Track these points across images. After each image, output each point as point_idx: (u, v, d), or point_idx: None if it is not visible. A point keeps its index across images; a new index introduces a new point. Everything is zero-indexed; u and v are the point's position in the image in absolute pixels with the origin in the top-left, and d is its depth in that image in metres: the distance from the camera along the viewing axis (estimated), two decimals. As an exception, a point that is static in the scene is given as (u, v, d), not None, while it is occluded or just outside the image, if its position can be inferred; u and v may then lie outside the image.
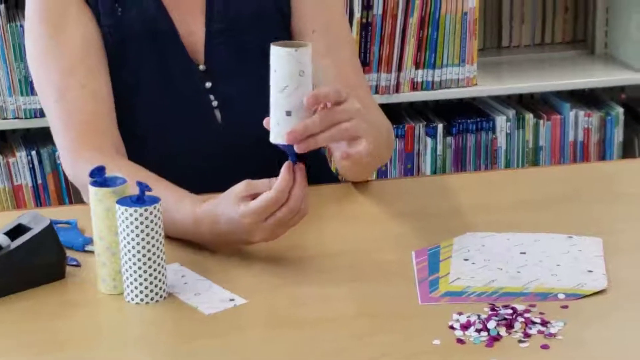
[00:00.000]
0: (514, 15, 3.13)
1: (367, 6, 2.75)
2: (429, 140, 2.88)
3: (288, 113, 1.42)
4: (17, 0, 2.84)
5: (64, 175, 2.73)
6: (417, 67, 2.81)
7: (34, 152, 2.76)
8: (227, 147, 1.59)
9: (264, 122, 1.44)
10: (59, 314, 1.40)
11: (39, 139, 2.81)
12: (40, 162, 2.76)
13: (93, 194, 1.42)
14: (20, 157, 2.75)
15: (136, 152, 1.77)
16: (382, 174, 2.80)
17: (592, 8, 3.12)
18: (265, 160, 1.52)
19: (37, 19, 1.76)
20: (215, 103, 1.79)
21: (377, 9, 2.76)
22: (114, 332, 1.39)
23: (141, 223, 1.38)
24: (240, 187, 1.44)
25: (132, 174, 1.53)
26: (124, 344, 1.36)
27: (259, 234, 1.45)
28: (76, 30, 1.74)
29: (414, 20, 2.78)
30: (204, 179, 1.68)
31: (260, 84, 1.54)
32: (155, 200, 1.39)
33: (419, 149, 2.89)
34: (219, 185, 1.52)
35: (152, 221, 1.39)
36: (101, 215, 1.42)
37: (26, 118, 2.72)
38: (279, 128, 1.42)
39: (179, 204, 1.53)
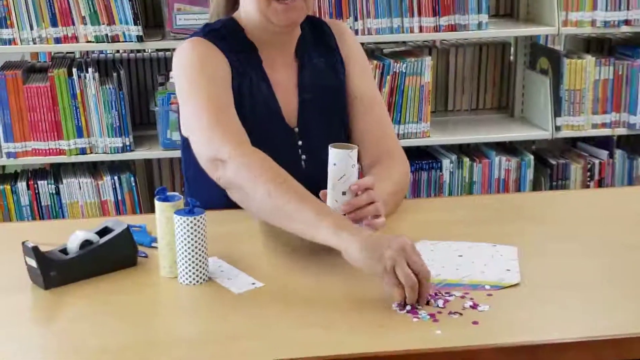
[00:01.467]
0: (457, 87, 3.13)
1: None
2: (409, 172, 2.87)
3: (344, 193, 1.48)
4: (107, 69, 2.84)
5: (137, 193, 2.74)
6: (388, 123, 2.81)
7: (116, 177, 2.75)
8: (308, 184, 1.51)
9: (320, 194, 1.52)
10: (131, 291, 1.41)
11: (120, 168, 2.81)
12: (120, 184, 2.75)
13: (158, 207, 1.43)
14: (106, 180, 2.74)
15: (220, 190, 1.70)
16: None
17: (513, 84, 3.12)
18: None
19: (196, 75, 1.70)
20: (304, 157, 1.77)
21: (361, 81, 2.75)
22: (170, 304, 1.41)
23: (191, 228, 1.39)
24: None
25: (272, 189, 1.49)
26: (177, 313, 1.39)
27: (399, 256, 1.29)
28: (224, 88, 1.70)
29: (386, 89, 2.78)
30: None
31: (333, 138, 1.61)
32: (201, 212, 1.39)
33: (388, 181, 2.88)
34: None
35: (198, 227, 1.40)
36: (164, 222, 1.44)
37: (111, 153, 2.70)
38: (337, 204, 1.48)
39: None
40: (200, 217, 1.38)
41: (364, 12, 2.72)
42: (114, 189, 2.75)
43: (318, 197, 1.51)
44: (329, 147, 1.48)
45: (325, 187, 1.51)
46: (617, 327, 1.25)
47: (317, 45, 1.83)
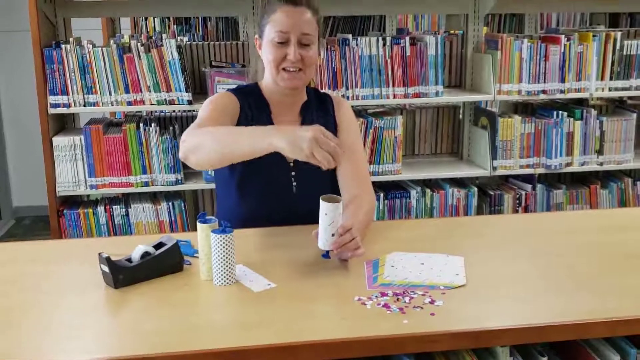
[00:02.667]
0: (421, 137, 3.11)
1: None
2: (375, 202, 2.86)
3: (332, 235, 1.44)
4: (165, 124, 2.84)
5: (186, 215, 2.72)
6: (370, 164, 2.79)
7: (170, 203, 2.73)
8: (296, 203, 1.56)
9: (313, 234, 1.48)
10: (178, 290, 1.40)
11: (174, 196, 2.79)
12: (173, 209, 2.73)
13: (199, 227, 1.42)
14: (163, 206, 2.73)
15: (236, 204, 1.73)
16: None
17: (462, 135, 3.11)
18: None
19: (210, 105, 1.72)
20: (295, 183, 1.74)
21: (350, 133, 2.75)
22: (207, 299, 1.38)
23: (223, 243, 1.38)
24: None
25: (215, 129, 1.53)
26: (211, 306, 1.36)
27: (313, 144, 1.33)
28: (226, 118, 1.70)
29: (369, 139, 2.77)
30: (279, 225, 1.68)
31: (320, 174, 1.57)
32: (230, 231, 1.38)
33: (370, 206, 2.86)
34: None
35: (229, 242, 1.39)
36: (203, 238, 1.42)
37: (167, 185, 2.68)
38: (327, 242, 1.44)
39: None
40: (230, 235, 1.36)
41: (354, 83, 2.72)
42: (169, 212, 2.73)
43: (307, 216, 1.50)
44: (320, 200, 1.44)
45: (310, 206, 1.49)
46: (541, 316, 1.24)
47: (318, 109, 1.83)
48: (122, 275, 1.37)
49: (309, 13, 1.68)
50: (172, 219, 2.74)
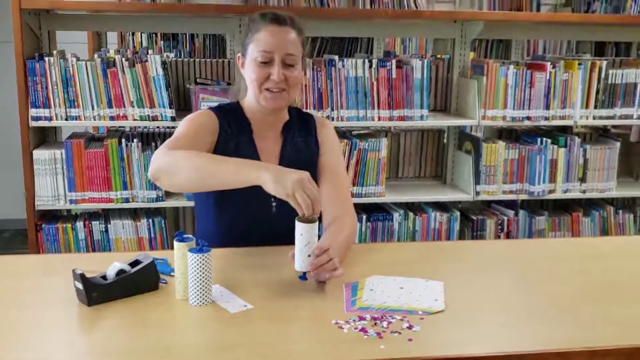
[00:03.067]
0: (405, 160, 3.12)
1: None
2: (357, 223, 2.84)
3: (309, 255, 1.43)
4: (148, 140, 2.82)
5: (166, 232, 2.70)
6: (353, 185, 2.79)
7: (150, 220, 2.71)
8: (275, 224, 1.55)
9: (290, 255, 1.46)
10: (153, 309, 1.38)
11: (154, 213, 2.77)
12: (153, 225, 2.71)
13: (176, 246, 1.40)
14: (143, 222, 2.70)
15: (214, 223, 1.72)
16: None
17: (445, 159, 3.12)
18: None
19: (187, 122, 1.72)
20: (274, 203, 1.70)
21: (334, 154, 2.75)
22: (182, 319, 1.37)
23: (200, 262, 1.36)
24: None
25: (196, 154, 1.52)
26: (186, 327, 1.34)
27: (298, 184, 1.37)
28: (202, 136, 1.69)
29: (353, 161, 2.77)
30: (259, 244, 1.67)
31: None
32: (207, 250, 1.37)
33: (353, 228, 2.86)
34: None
35: (205, 262, 1.37)
36: (180, 257, 1.41)
37: (148, 202, 2.66)
38: (304, 264, 1.43)
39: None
40: (207, 254, 1.35)
41: (339, 105, 2.73)
42: (149, 228, 2.70)
43: (285, 236, 1.48)
44: (296, 221, 1.43)
45: (290, 225, 1.46)
46: (521, 344, 1.23)
47: (300, 129, 1.82)
48: (95, 292, 1.35)
49: (293, 33, 1.68)
50: (152, 235, 2.71)
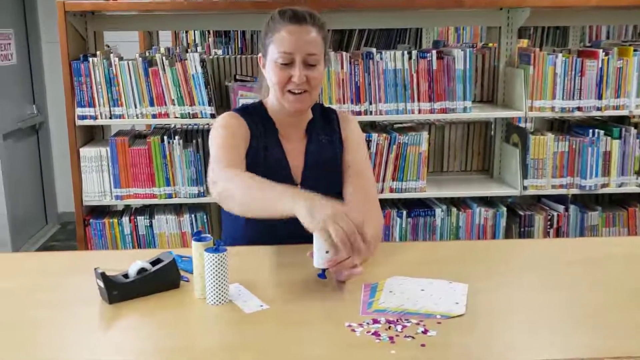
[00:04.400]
0: (450, 154, 3.07)
1: (367, 147, 2.70)
2: (397, 219, 2.82)
3: (327, 252, 1.40)
4: (189, 137, 2.87)
5: (209, 227, 2.74)
6: (393, 180, 2.76)
7: (193, 215, 2.76)
8: (303, 227, 1.41)
9: (308, 254, 1.43)
10: (171, 308, 1.41)
11: (196, 208, 2.82)
12: (196, 220, 2.76)
13: (194, 246, 1.42)
14: (186, 217, 2.76)
15: (241, 222, 1.71)
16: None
17: (492, 153, 3.04)
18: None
19: (222, 130, 1.71)
20: None
21: (373, 149, 2.73)
22: (198, 318, 1.38)
23: (216, 262, 1.38)
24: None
25: (248, 177, 1.51)
26: (201, 327, 1.37)
27: (331, 218, 1.29)
28: (239, 142, 1.70)
29: (392, 155, 2.74)
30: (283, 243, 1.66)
31: (326, 192, 1.47)
32: (224, 250, 1.38)
33: (392, 224, 2.82)
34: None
35: (221, 261, 1.39)
36: (197, 257, 1.42)
37: (190, 197, 2.71)
38: (322, 260, 1.40)
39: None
40: (223, 254, 1.36)
41: (377, 98, 2.70)
42: (192, 223, 2.76)
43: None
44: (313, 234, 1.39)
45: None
46: (539, 352, 1.18)
47: (323, 127, 1.81)
48: (116, 291, 1.38)
49: (314, 31, 1.64)
50: (195, 230, 2.76)
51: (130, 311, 1.36)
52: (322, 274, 1.46)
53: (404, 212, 2.80)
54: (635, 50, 2.71)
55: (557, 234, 2.86)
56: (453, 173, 3.07)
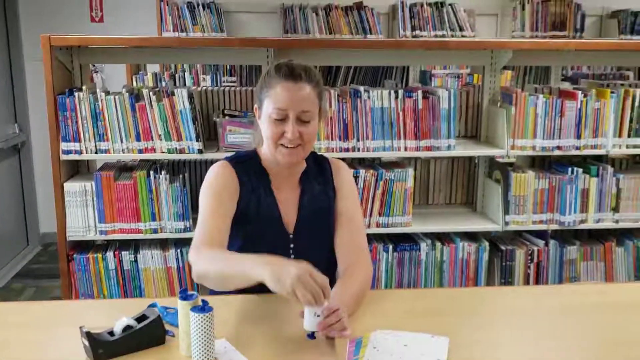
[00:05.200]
0: (435, 187, 3.09)
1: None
2: (384, 253, 2.83)
3: (317, 315, 1.42)
4: (176, 171, 2.86)
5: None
6: (379, 215, 2.77)
7: (179, 250, 2.74)
8: None
9: (299, 314, 1.44)
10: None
11: (182, 243, 2.80)
12: (181, 255, 2.74)
13: (179, 304, 1.41)
14: (172, 252, 2.74)
15: None
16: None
17: (475, 187, 3.07)
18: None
19: (209, 191, 1.71)
20: (293, 256, 1.73)
21: (360, 184, 2.73)
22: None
23: (202, 322, 1.36)
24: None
25: (222, 254, 1.56)
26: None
27: (297, 283, 1.33)
28: (226, 204, 1.70)
29: (379, 191, 2.75)
30: None
31: (318, 243, 1.69)
32: (209, 309, 1.37)
33: (379, 258, 2.83)
34: None
35: (207, 321, 1.37)
36: (183, 315, 1.41)
37: (176, 232, 2.70)
38: (312, 323, 1.43)
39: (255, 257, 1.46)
40: (209, 314, 1.35)
41: (364, 135, 2.71)
42: (177, 258, 2.74)
43: None
44: None
45: None
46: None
47: (317, 176, 1.82)
48: (102, 349, 1.37)
49: (308, 88, 1.65)
50: (181, 265, 2.75)
51: (116, 371, 1.35)
52: (312, 334, 1.46)
53: (390, 247, 2.81)
54: (612, 92, 2.75)
55: (538, 268, 2.88)
56: (438, 206, 3.09)
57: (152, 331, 1.44)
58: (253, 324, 1.56)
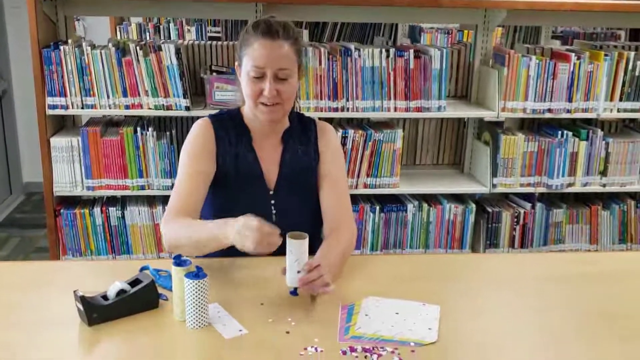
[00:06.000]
0: (423, 147, 3.10)
1: (343, 143, 2.71)
2: (370, 214, 2.85)
3: (298, 272, 1.46)
4: (163, 128, 2.83)
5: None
6: (367, 176, 2.78)
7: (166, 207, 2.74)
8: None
9: (281, 271, 1.51)
10: (150, 330, 1.43)
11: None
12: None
13: (173, 270, 1.42)
14: (159, 209, 2.75)
15: None
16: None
17: (463, 149, 3.08)
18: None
19: (187, 150, 1.75)
20: (274, 210, 1.76)
21: (349, 145, 2.73)
22: (177, 342, 1.40)
23: (197, 288, 1.38)
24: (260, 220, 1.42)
25: (192, 221, 1.61)
26: (181, 351, 1.38)
27: (251, 239, 1.40)
28: (203, 164, 1.73)
29: (367, 152, 2.76)
30: None
31: (300, 202, 1.72)
32: (204, 275, 1.39)
33: (365, 218, 2.85)
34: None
35: (202, 287, 1.39)
36: (177, 281, 1.43)
37: (163, 189, 2.69)
38: (294, 280, 1.47)
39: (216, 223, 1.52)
40: (204, 280, 1.37)
41: (354, 95, 2.70)
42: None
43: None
44: (287, 237, 1.46)
45: (287, 234, 1.48)
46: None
47: (300, 135, 1.83)
48: (96, 313, 1.39)
49: (286, 45, 1.65)
50: (167, 222, 2.75)
51: (109, 335, 1.37)
52: (294, 291, 1.50)
53: (377, 207, 2.83)
54: (605, 55, 2.75)
55: (523, 230, 2.93)
56: (425, 167, 3.11)
57: (146, 295, 1.45)
58: (243, 288, 1.58)
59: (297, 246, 1.46)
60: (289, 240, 1.46)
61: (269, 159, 1.78)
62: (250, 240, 1.39)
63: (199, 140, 1.75)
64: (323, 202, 1.80)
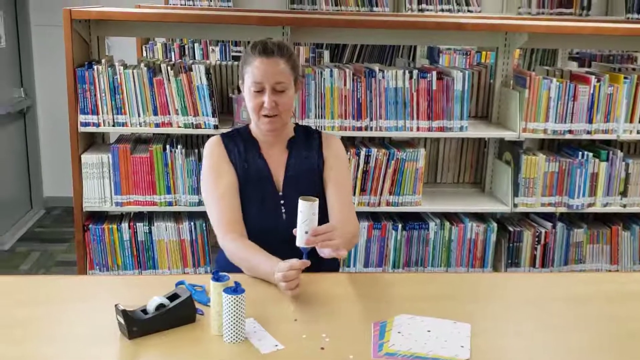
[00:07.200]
0: (444, 167, 3.12)
1: (366, 162, 2.74)
2: (393, 232, 2.86)
3: (306, 232, 1.63)
4: (191, 145, 2.87)
5: (207, 235, 2.76)
6: (390, 194, 2.80)
7: (192, 223, 2.77)
8: (285, 229, 1.72)
9: (293, 231, 1.66)
10: (188, 344, 1.45)
11: (196, 216, 2.83)
12: (195, 228, 2.77)
13: (212, 285, 1.44)
14: (185, 225, 2.77)
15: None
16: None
17: (484, 168, 3.09)
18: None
19: (207, 170, 1.93)
20: (284, 211, 1.90)
21: (372, 163, 2.76)
22: (218, 355, 1.41)
23: (234, 303, 1.40)
24: (284, 264, 1.61)
25: (250, 248, 1.78)
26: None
27: (284, 289, 1.60)
28: (226, 177, 1.91)
29: (390, 170, 2.78)
30: (270, 247, 1.77)
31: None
32: (242, 291, 1.41)
33: (388, 236, 2.87)
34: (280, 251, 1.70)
35: (239, 302, 1.41)
36: (215, 296, 1.45)
37: (190, 206, 2.73)
38: (302, 239, 1.64)
39: (268, 263, 1.69)
40: (241, 295, 1.39)
41: (378, 115, 2.73)
42: (190, 231, 2.78)
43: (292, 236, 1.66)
44: (299, 199, 1.63)
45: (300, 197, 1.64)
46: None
47: (304, 144, 1.98)
48: (136, 327, 1.41)
49: (282, 62, 1.83)
50: (194, 237, 2.78)
51: (149, 348, 1.39)
52: (306, 254, 1.63)
53: (400, 225, 2.85)
54: (625, 78, 2.77)
55: (544, 250, 2.93)
56: (446, 185, 3.12)
57: (184, 310, 1.48)
58: (276, 304, 1.61)
59: (307, 207, 1.60)
60: (300, 202, 1.60)
61: (276, 164, 1.94)
62: (284, 289, 1.59)
63: (214, 158, 1.93)
64: (329, 203, 1.93)
